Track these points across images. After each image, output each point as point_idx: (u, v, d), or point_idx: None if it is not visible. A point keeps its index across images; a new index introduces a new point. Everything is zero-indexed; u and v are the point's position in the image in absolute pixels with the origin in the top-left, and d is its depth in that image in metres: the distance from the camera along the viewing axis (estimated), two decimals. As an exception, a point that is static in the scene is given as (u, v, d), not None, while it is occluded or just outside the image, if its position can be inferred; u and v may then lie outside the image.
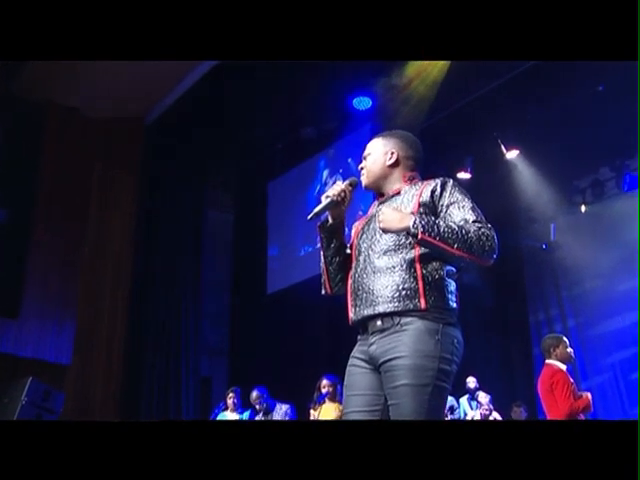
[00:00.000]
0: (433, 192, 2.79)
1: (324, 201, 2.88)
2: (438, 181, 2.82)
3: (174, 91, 9.70)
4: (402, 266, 2.71)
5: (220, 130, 9.85)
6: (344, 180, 2.97)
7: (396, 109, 8.80)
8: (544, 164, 9.15)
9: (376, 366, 2.71)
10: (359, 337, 2.85)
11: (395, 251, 2.75)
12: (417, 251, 2.71)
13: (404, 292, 2.67)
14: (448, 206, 2.76)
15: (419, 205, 2.78)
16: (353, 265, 2.90)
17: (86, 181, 10.05)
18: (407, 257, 2.71)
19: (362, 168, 3.03)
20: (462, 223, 2.68)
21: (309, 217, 2.83)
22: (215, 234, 11.32)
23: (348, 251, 3.00)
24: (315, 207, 2.86)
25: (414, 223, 2.62)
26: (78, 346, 9.49)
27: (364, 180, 3.01)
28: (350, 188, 2.94)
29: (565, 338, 5.88)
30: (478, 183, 8.98)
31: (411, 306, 2.65)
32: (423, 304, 2.65)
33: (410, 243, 2.72)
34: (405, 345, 2.62)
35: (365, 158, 3.05)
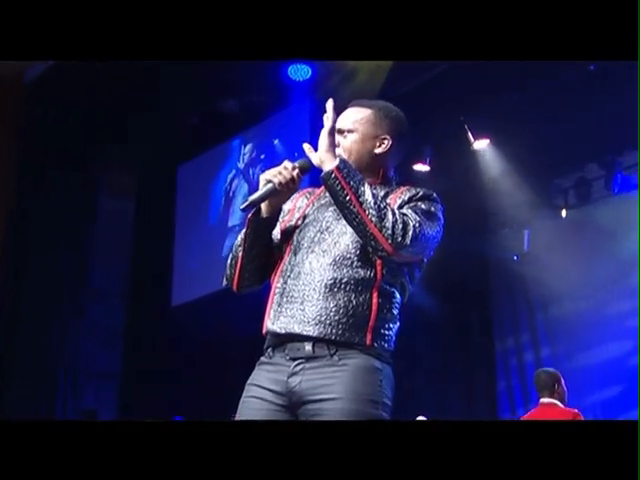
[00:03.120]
0: (410, 200, 2.59)
1: (264, 187, 2.57)
2: (421, 191, 2.63)
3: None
4: (358, 287, 2.49)
5: (121, 95, 8.92)
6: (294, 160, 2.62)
7: (342, 81, 8.17)
8: (519, 157, 8.41)
9: (293, 404, 2.46)
10: (266, 359, 2.55)
11: (352, 264, 2.51)
12: (379, 272, 2.51)
13: (352, 320, 2.45)
14: (402, 206, 2.56)
15: None
16: (285, 260, 2.62)
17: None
18: (366, 276, 2.50)
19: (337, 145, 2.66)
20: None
21: (242, 206, 2.57)
22: (109, 227, 10.41)
23: (274, 243, 2.69)
24: (252, 194, 2.59)
25: (341, 160, 2.48)
26: None
27: None
28: (300, 175, 2.59)
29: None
30: (438, 177, 8.35)
31: (356, 339, 2.44)
32: (369, 340, 2.46)
33: (372, 258, 2.50)
34: (342, 385, 2.40)
35: (342, 133, 2.67)
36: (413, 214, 2.49)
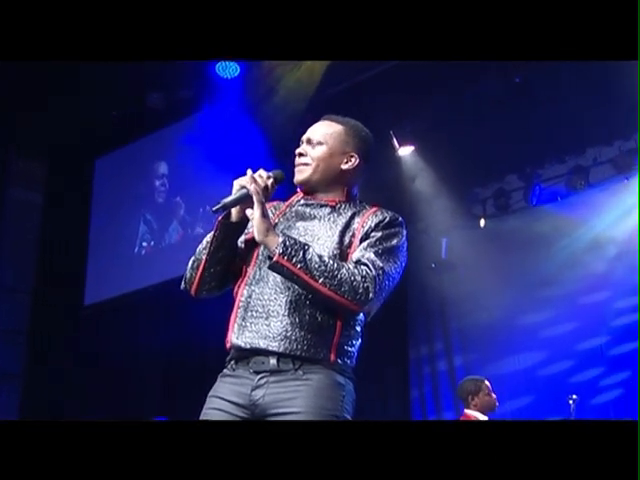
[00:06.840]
0: (376, 227, 2.60)
1: (237, 191, 2.57)
2: (388, 217, 2.65)
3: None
4: (323, 303, 2.49)
5: (36, 78, 8.50)
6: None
7: (273, 81, 7.72)
8: (441, 164, 8.46)
9: (256, 417, 2.47)
10: (229, 371, 2.55)
11: None
12: None
13: (317, 336, 2.48)
14: (364, 239, 2.57)
15: (360, 240, 2.59)
16: (249, 273, 2.61)
17: None
18: None
19: (301, 154, 2.71)
20: (337, 257, 2.54)
21: (214, 209, 2.56)
22: (17, 220, 9.96)
23: (238, 251, 2.68)
24: (224, 197, 2.57)
25: (279, 242, 2.45)
26: None
27: (305, 173, 2.69)
28: (274, 184, 2.62)
29: (487, 382, 5.76)
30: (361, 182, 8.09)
31: (320, 355, 2.48)
32: (333, 356, 2.50)
33: None
34: (304, 399, 2.43)
35: (311, 143, 2.70)
36: (376, 260, 2.50)
